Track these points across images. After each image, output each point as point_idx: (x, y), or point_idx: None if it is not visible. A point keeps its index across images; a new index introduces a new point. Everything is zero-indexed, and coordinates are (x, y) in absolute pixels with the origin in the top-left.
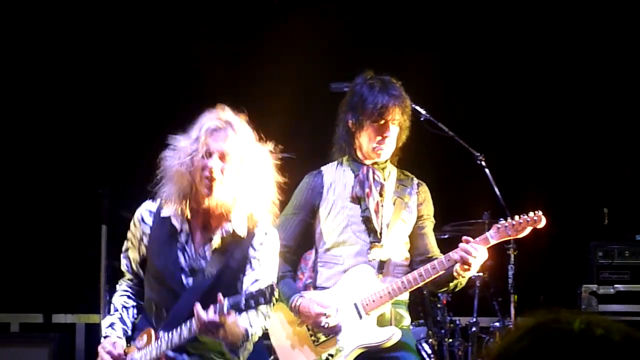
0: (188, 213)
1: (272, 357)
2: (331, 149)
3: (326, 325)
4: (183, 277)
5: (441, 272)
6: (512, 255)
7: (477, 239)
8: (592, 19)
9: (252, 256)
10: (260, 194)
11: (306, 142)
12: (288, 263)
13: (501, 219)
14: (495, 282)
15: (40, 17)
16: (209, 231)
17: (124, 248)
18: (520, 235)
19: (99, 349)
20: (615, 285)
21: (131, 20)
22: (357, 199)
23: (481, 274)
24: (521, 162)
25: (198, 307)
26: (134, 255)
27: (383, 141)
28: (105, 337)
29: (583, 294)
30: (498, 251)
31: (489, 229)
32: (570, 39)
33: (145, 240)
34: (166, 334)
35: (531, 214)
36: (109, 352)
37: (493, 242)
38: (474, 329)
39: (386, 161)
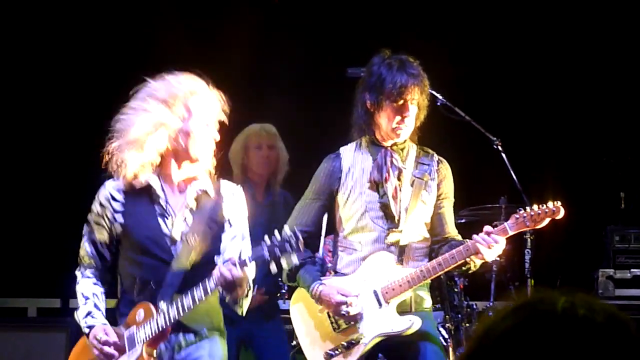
0: (160, 179)
1: (294, 342)
2: (350, 129)
3: (346, 314)
4: (168, 243)
5: (460, 262)
6: (529, 240)
7: (495, 229)
8: (607, 3)
9: (226, 215)
10: (213, 152)
11: (325, 123)
12: (309, 248)
13: (520, 209)
14: (512, 266)
15: None
16: (182, 193)
17: (84, 232)
18: (539, 226)
19: (91, 341)
20: (632, 270)
21: None
22: (375, 185)
23: (498, 258)
24: (538, 147)
25: (222, 265)
26: (100, 237)
27: (402, 121)
28: (88, 327)
29: (600, 278)
30: (515, 236)
31: (505, 214)
32: (587, 24)
33: (120, 217)
34: (175, 301)
35: (550, 204)
36: (105, 342)
37: (511, 232)
38: (490, 313)
39: (405, 140)
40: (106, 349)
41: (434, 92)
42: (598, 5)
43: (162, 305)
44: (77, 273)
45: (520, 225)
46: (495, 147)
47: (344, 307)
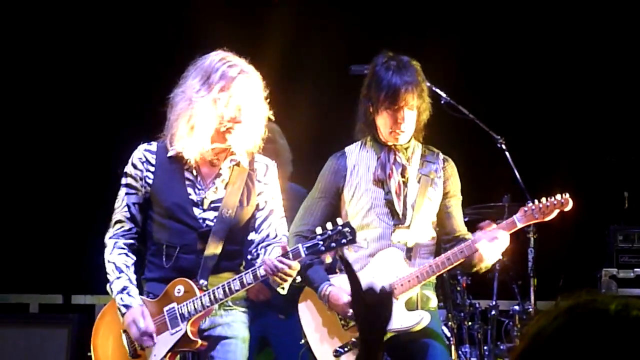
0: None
1: (303, 341)
2: (354, 128)
3: (352, 317)
4: (195, 210)
5: (468, 255)
6: (532, 239)
7: (504, 222)
8: (612, 2)
9: (261, 190)
10: (258, 132)
11: (330, 122)
12: None
13: (529, 202)
14: (515, 265)
15: None
16: (216, 165)
17: (120, 196)
18: (548, 219)
19: (129, 324)
20: (635, 269)
21: None
22: (380, 182)
23: (501, 257)
24: (541, 146)
25: (269, 260)
26: (134, 199)
27: (398, 126)
28: (125, 306)
29: (603, 277)
30: (518, 234)
31: (508, 212)
32: (591, 24)
33: (150, 179)
34: (222, 283)
35: (558, 196)
36: (144, 332)
37: (520, 225)
38: (493, 312)
39: (409, 140)
40: (144, 339)
41: (437, 90)
42: (603, 5)
43: (204, 284)
44: (108, 241)
45: (529, 218)
46: (499, 145)
47: (350, 310)
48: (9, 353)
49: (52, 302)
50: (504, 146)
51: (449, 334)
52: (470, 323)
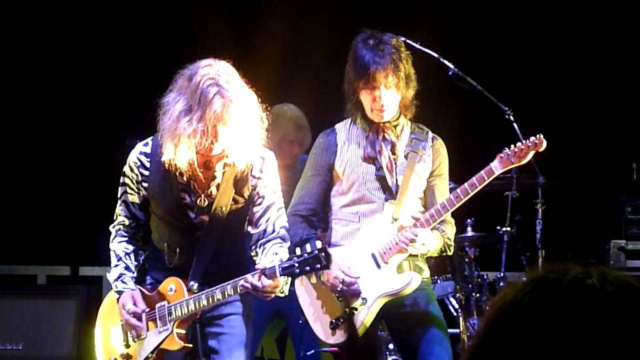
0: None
1: (302, 319)
2: (345, 106)
3: (342, 290)
4: (191, 214)
5: (445, 215)
6: (540, 210)
7: (482, 171)
8: None
9: (256, 185)
10: (251, 132)
11: (323, 98)
12: (312, 226)
13: (504, 148)
14: (523, 237)
15: None
16: (210, 168)
17: (119, 194)
18: (524, 162)
19: (119, 308)
20: None
21: None
22: (370, 159)
23: (509, 228)
24: (549, 118)
25: (250, 277)
26: (132, 198)
27: (378, 105)
28: (118, 292)
29: (611, 249)
30: (526, 206)
31: (517, 184)
32: None
33: (145, 184)
34: (208, 291)
35: (532, 138)
36: (132, 313)
37: (498, 171)
38: (501, 283)
39: (398, 118)
40: (132, 320)
41: (445, 61)
42: None
43: (194, 287)
44: (112, 230)
45: (506, 163)
46: (507, 117)
47: (341, 285)
48: (17, 325)
49: (60, 273)
50: (512, 118)
51: (457, 306)
52: (478, 295)
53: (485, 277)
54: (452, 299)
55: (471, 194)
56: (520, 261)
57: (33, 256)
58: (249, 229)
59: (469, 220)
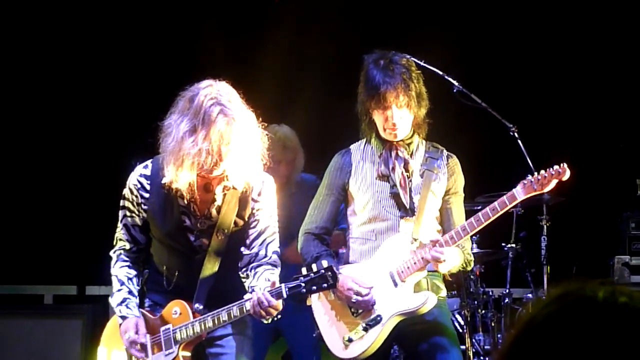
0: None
1: (316, 333)
2: (359, 127)
3: (356, 302)
4: (191, 237)
5: (465, 237)
6: (545, 227)
7: (505, 196)
8: None
9: (255, 207)
10: (252, 153)
11: (335, 114)
12: (325, 244)
13: (527, 175)
14: (528, 253)
15: None
16: (210, 191)
17: (120, 217)
18: (546, 190)
19: (122, 334)
20: None
21: None
22: (384, 177)
23: (514, 245)
24: (554, 134)
25: (256, 296)
26: (132, 220)
27: (390, 125)
28: (122, 317)
29: (615, 264)
30: (531, 222)
31: (520, 202)
32: (603, 9)
33: (145, 206)
34: (211, 313)
35: (556, 166)
36: (133, 342)
37: (520, 198)
38: (506, 300)
39: (412, 137)
40: (133, 349)
41: (450, 79)
42: None
43: (199, 309)
44: (113, 255)
45: (529, 190)
46: (511, 133)
47: (354, 296)
48: (24, 344)
49: (67, 293)
50: (516, 134)
51: (462, 322)
52: (483, 311)
53: (490, 293)
54: (457, 316)
55: (492, 218)
56: (526, 277)
57: (40, 276)
58: (242, 249)
59: (474, 237)
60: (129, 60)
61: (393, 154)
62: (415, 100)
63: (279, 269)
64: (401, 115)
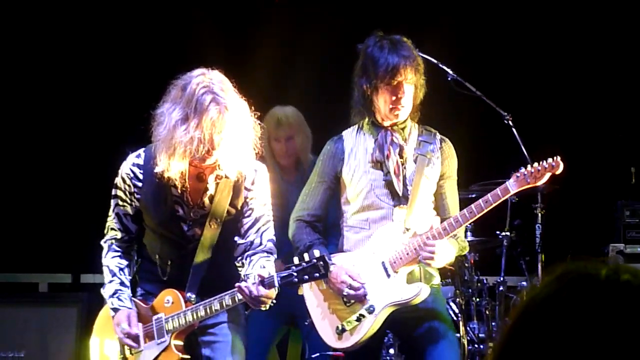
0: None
1: (308, 321)
2: (350, 113)
3: (348, 295)
4: (184, 227)
5: (458, 229)
6: (540, 215)
7: (497, 189)
8: None
9: (248, 196)
10: (244, 142)
11: (328, 106)
12: (317, 231)
13: (521, 167)
14: (522, 241)
15: None
16: (203, 180)
17: (112, 206)
18: (540, 183)
19: (114, 326)
20: None
21: None
22: (378, 163)
23: (508, 233)
24: (548, 122)
25: (245, 285)
26: (124, 209)
27: (399, 101)
28: (114, 309)
29: (610, 253)
30: (526, 210)
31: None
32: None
33: (138, 195)
34: (205, 302)
35: (549, 160)
36: (126, 334)
37: (513, 191)
38: (501, 288)
39: (405, 120)
40: (126, 340)
41: (444, 67)
42: None
43: (192, 298)
44: (104, 244)
45: (522, 183)
46: (506, 122)
47: (345, 289)
48: (19, 332)
49: (61, 281)
50: (511, 122)
51: (456, 310)
52: (478, 299)
53: (485, 281)
54: (452, 304)
55: (485, 211)
56: (520, 265)
57: (34, 264)
58: (236, 239)
59: (468, 225)
60: (122, 48)
61: (388, 139)
62: (420, 80)
63: (275, 256)
64: (409, 91)
